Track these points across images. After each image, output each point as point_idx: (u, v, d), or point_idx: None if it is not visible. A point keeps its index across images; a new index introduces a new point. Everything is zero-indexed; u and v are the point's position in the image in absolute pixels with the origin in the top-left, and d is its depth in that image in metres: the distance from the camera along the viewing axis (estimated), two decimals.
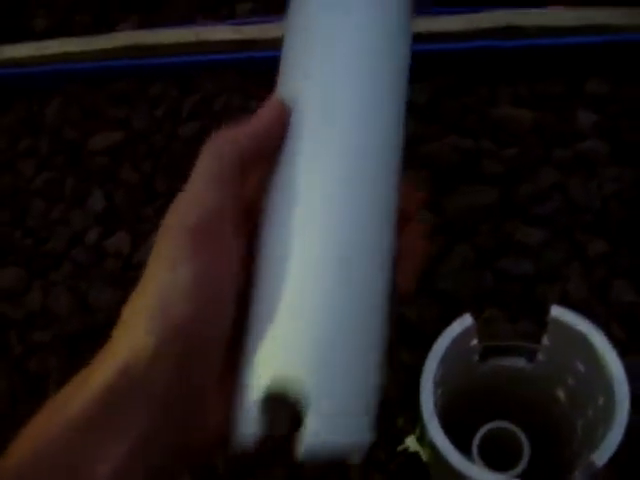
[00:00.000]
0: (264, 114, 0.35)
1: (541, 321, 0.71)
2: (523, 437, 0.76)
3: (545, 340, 0.72)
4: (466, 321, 0.67)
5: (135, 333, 0.31)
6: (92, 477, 0.29)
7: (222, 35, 1.08)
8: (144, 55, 1.11)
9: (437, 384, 0.68)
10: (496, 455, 0.75)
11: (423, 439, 0.73)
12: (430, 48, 0.98)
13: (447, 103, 0.97)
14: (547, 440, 0.79)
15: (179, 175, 1.11)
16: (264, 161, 0.35)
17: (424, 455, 0.73)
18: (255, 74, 1.06)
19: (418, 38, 0.96)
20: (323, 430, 0.31)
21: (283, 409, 0.31)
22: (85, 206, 1.03)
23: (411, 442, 0.75)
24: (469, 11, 1.01)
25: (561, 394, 0.76)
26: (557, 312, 0.67)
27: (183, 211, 0.33)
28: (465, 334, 0.68)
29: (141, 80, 1.11)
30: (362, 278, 0.33)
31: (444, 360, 0.67)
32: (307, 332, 0.32)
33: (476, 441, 0.75)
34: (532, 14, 1.00)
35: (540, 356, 0.74)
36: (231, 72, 1.07)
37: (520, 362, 0.77)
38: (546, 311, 0.69)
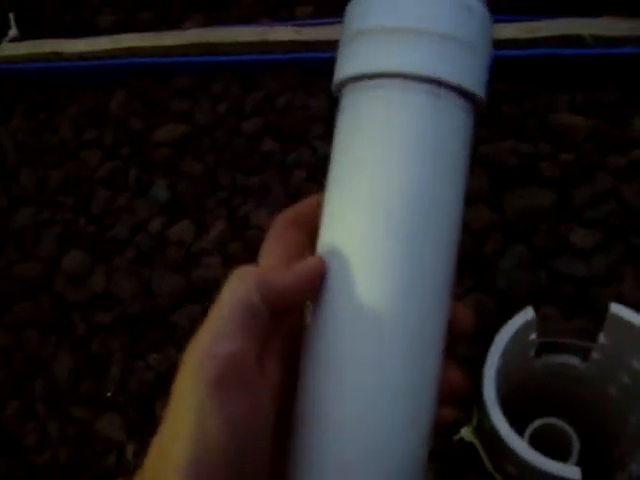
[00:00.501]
0: (303, 268, 0.33)
1: (596, 320, 0.73)
2: (573, 434, 0.78)
3: (601, 338, 0.73)
4: (528, 314, 0.70)
5: None
6: None
7: (284, 35, 1.11)
8: (208, 52, 1.15)
9: (497, 372, 0.70)
10: (545, 451, 0.77)
11: (479, 429, 0.75)
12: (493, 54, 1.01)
13: (507, 108, 1.00)
14: (597, 437, 0.81)
15: (241, 169, 1.15)
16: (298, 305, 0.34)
17: (478, 444, 0.76)
18: (315, 73, 1.09)
19: None
20: None
21: None
22: (149, 195, 1.06)
23: (466, 433, 0.77)
24: (530, 20, 1.04)
25: (614, 392, 0.78)
26: (616, 309, 0.69)
27: (202, 358, 0.31)
28: (526, 326, 0.70)
29: (204, 77, 1.15)
30: (410, 417, 0.32)
31: (504, 352, 0.70)
32: None
33: (526, 436, 0.77)
34: (589, 24, 1.02)
35: (594, 354, 0.76)
36: (292, 71, 1.11)
37: (574, 360, 0.79)
38: (601, 311, 0.71)
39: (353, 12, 0.35)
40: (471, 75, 0.34)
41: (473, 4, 0.34)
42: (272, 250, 0.36)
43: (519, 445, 0.64)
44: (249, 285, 0.32)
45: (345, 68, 0.34)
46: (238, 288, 0.32)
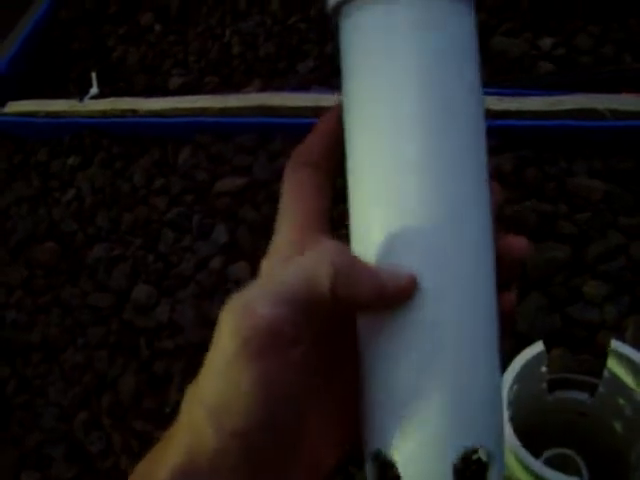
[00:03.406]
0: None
1: (603, 360, 0.83)
2: (583, 465, 0.86)
3: (606, 373, 0.83)
4: (539, 347, 0.80)
5: (197, 433, 0.32)
6: None
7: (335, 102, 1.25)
8: (268, 114, 1.29)
9: (511, 402, 0.80)
10: None
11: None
12: (519, 124, 1.14)
13: (530, 172, 1.12)
14: (606, 469, 0.88)
15: None
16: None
17: None
18: None
19: (509, 115, 1.11)
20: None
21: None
22: (210, 238, 1.19)
23: (482, 453, 0.86)
24: (554, 94, 1.17)
25: (619, 426, 0.84)
26: (616, 345, 0.79)
27: (237, 318, 0.32)
28: (537, 357, 0.79)
29: (263, 136, 1.28)
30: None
31: (518, 379, 0.79)
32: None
33: None
34: (608, 99, 1.15)
35: (601, 388, 0.84)
36: None
37: (583, 396, 0.86)
38: (607, 351, 0.81)
39: None
40: None
41: None
42: (290, 215, 0.37)
43: (526, 456, 0.73)
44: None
45: None
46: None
